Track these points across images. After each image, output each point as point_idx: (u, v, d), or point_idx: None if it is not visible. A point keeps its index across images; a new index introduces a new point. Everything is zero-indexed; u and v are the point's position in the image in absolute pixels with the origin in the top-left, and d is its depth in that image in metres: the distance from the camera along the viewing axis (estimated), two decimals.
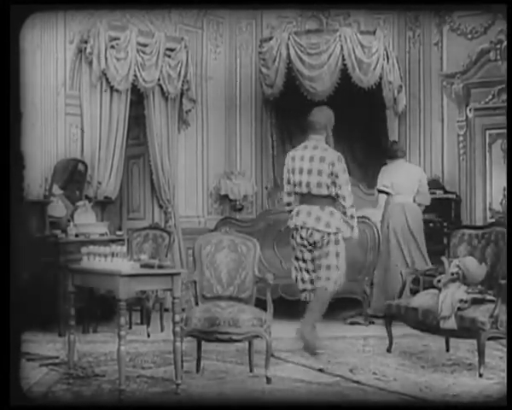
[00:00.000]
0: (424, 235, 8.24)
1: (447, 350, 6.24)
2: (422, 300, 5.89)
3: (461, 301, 5.56)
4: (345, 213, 6.19)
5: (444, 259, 6.15)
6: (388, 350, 6.20)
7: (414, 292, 6.43)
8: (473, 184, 9.03)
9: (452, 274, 5.89)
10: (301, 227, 6.18)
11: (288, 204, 6.40)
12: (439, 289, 5.83)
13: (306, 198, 6.19)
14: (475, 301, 5.59)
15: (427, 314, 5.71)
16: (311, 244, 6.16)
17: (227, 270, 5.64)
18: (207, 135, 9.69)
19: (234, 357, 6.02)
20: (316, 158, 6.15)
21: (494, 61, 8.85)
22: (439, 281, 5.95)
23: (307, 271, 6.28)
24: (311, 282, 6.30)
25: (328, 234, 6.11)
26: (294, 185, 6.25)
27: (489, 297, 5.61)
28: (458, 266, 5.89)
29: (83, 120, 8.18)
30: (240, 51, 9.96)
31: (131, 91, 8.48)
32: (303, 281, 6.33)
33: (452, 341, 6.18)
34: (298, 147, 6.38)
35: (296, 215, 6.23)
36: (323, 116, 6.31)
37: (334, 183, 6.11)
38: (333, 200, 6.18)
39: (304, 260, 6.26)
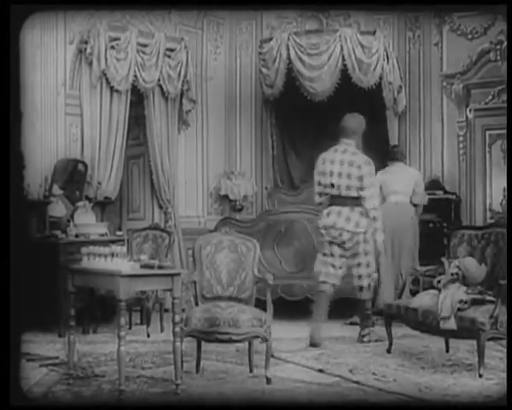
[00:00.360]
0: (421, 236, 8.24)
1: (447, 351, 6.24)
2: (422, 300, 5.89)
3: (461, 301, 5.56)
4: (367, 215, 6.55)
5: (444, 259, 6.16)
6: (388, 351, 6.20)
7: (414, 293, 6.43)
8: (473, 185, 9.02)
9: (452, 275, 5.89)
10: (331, 227, 6.57)
11: (320, 204, 6.82)
12: (439, 290, 5.83)
13: (337, 200, 6.64)
14: (475, 302, 5.59)
15: (427, 315, 5.71)
16: (340, 243, 6.60)
17: (227, 270, 5.64)
18: (207, 135, 9.69)
19: (234, 357, 6.02)
20: (345, 162, 6.59)
21: (494, 61, 8.84)
22: (438, 282, 5.95)
23: (333, 266, 6.71)
24: (335, 277, 6.72)
25: (358, 234, 6.58)
26: (325, 187, 6.59)
27: (489, 298, 5.61)
28: (458, 267, 5.90)
29: (83, 120, 8.18)
30: (240, 52, 9.96)
31: (131, 92, 8.48)
32: (327, 274, 6.72)
33: (452, 341, 6.18)
34: (328, 150, 6.78)
35: (326, 216, 6.67)
36: (355, 122, 6.83)
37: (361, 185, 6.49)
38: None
39: (332, 255, 6.70)
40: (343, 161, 6.58)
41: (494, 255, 5.96)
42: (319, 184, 6.72)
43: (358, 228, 6.58)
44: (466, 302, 5.57)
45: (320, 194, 6.76)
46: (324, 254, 6.72)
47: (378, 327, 7.03)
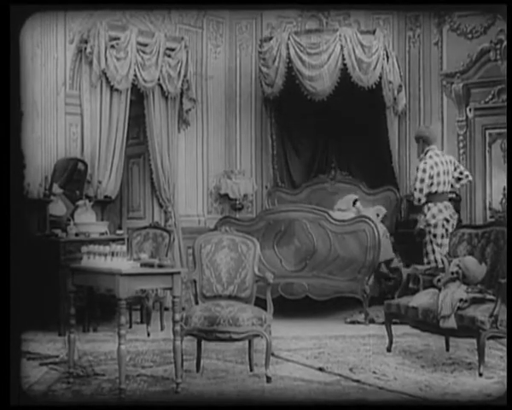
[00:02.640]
0: None
1: (447, 349, 6.25)
2: (422, 299, 5.89)
3: (461, 300, 5.57)
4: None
5: (444, 258, 6.16)
6: (388, 349, 6.20)
7: (414, 291, 6.43)
8: (473, 184, 9.02)
9: (452, 273, 5.89)
10: (453, 217, 7.51)
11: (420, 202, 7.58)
12: (439, 289, 5.83)
13: (446, 196, 7.58)
14: (475, 301, 5.60)
15: (427, 314, 5.72)
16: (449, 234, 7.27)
17: (227, 269, 5.64)
18: (207, 134, 9.70)
19: (234, 356, 6.02)
20: (448, 162, 7.61)
21: (494, 60, 8.85)
22: (438, 280, 5.95)
23: (440, 254, 7.35)
24: None
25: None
26: (437, 185, 7.42)
27: (489, 296, 5.61)
28: (458, 266, 5.90)
29: (83, 120, 8.19)
30: (240, 51, 9.96)
31: (131, 91, 8.49)
32: (436, 262, 7.42)
33: (452, 340, 6.19)
34: (430, 154, 7.54)
35: (445, 209, 7.50)
36: (431, 130, 7.87)
37: (459, 174, 7.69)
38: None
39: (442, 246, 7.38)
40: (446, 162, 7.58)
41: (494, 254, 5.96)
42: (427, 184, 7.41)
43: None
44: (466, 301, 5.58)
45: (424, 194, 7.45)
46: (438, 245, 7.46)
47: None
